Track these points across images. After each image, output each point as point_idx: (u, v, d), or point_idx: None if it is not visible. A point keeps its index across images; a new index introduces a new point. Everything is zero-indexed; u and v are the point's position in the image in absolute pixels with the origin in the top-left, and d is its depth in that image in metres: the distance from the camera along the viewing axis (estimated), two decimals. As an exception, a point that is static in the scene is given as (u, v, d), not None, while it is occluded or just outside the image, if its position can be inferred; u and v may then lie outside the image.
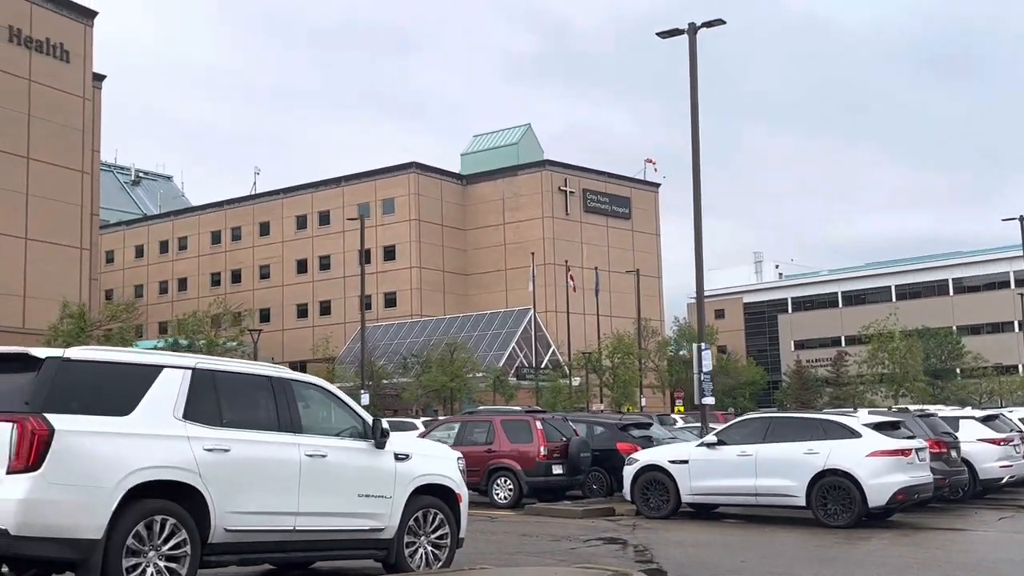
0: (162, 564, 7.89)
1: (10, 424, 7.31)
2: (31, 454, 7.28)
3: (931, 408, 24.96)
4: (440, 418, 33.15)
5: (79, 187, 54.96)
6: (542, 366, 66.50)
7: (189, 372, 8.55)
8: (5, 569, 8.08)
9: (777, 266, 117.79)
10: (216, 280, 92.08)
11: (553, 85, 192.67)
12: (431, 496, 10.23)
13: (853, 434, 16.02)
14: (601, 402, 60.75)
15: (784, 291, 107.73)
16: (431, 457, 10.60)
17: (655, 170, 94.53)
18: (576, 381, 63.37)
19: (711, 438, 17.49)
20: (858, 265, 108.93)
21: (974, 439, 19.93)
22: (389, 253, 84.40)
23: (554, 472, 19.91)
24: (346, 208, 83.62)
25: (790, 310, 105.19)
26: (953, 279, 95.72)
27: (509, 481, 19.84)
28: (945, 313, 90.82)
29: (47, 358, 7.78)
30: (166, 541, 7.92)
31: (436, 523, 10.26)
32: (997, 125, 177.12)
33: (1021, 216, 48.10)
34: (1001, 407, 37.74)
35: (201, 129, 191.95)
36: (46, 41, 53.96)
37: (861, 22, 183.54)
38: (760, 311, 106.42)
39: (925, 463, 16.37)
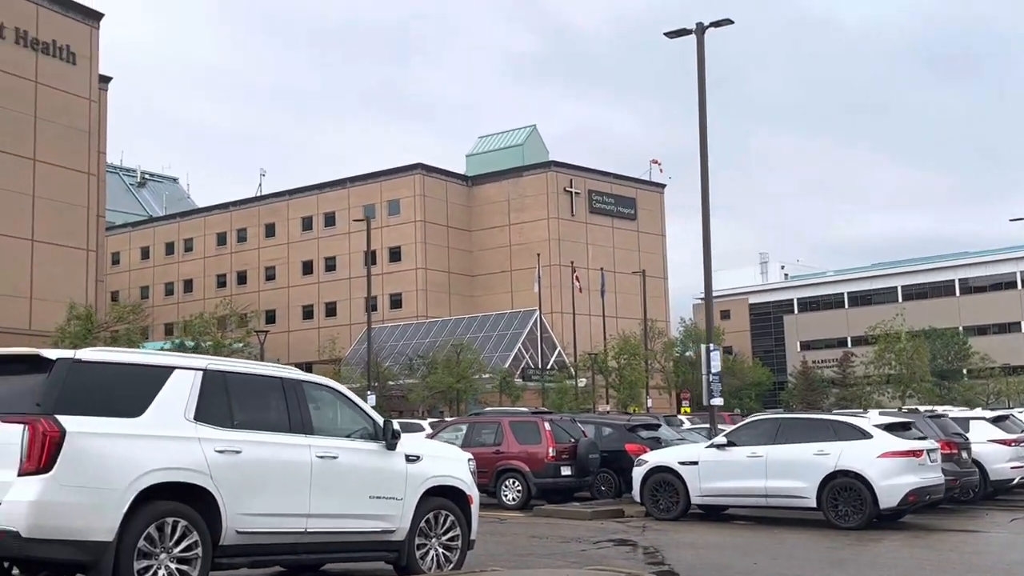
0: (173, 567, 7.85)
1: (21, 426, 7.29)
2: (42, 456, 7.25)
3: (940, 409, 24.87)
4: (447, 419, 33.14)
5: (85, 189, 55.03)
6: (548, 367, 66.43)
7: (200, 373, 8.51)
8: (16, 571, 8.06)
9: (783, 267, 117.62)
10: (222, 281, 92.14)
11: (557, 86, 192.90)
12: (442, 498, 10.18)
13: (864, 435, 15.94)
14: (607, 403, 60.67)
15: (790, 292, 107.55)
16: (442, 458, 10.55)
17: (660, 171, 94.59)
18: (582, 382, 63.29)
19: (721, 439, 17.42)
20: (864, 266, 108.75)
21: (985, 440, 19.85)
22: (395, 254, 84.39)
23: (563, 473, 19.87)
24: (352, 209, 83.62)
25: (796, 311, 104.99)
26: (959, 279, 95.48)
27: (517, 482, 19.79)
28: (951, 313, 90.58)
29: (58, 359, 7.75)
30: (177, 543, 7.89)
31: (447, 525, 10.21)
32: (998, 124, 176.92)
33: (1029, 216, 47.89)
34: (1009, 408, 37.59)
35: (206, 131, 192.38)
36: (52, 43, 54.03)
37: (862, 20, 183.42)
38: (766, 312, 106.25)
39: (936, 464, 16.29)
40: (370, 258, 52.17)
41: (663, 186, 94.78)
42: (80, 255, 54.17)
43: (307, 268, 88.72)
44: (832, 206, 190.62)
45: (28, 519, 7.14)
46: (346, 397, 9.94)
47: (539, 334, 68.41)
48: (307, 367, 59.73)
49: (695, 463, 17.08)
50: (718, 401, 22.50)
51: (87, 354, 8.03)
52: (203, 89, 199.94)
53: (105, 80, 61.54)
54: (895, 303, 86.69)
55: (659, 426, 23.51)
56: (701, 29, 23.52)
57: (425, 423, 33.71)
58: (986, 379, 72.43)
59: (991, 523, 16.93)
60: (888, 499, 15.39)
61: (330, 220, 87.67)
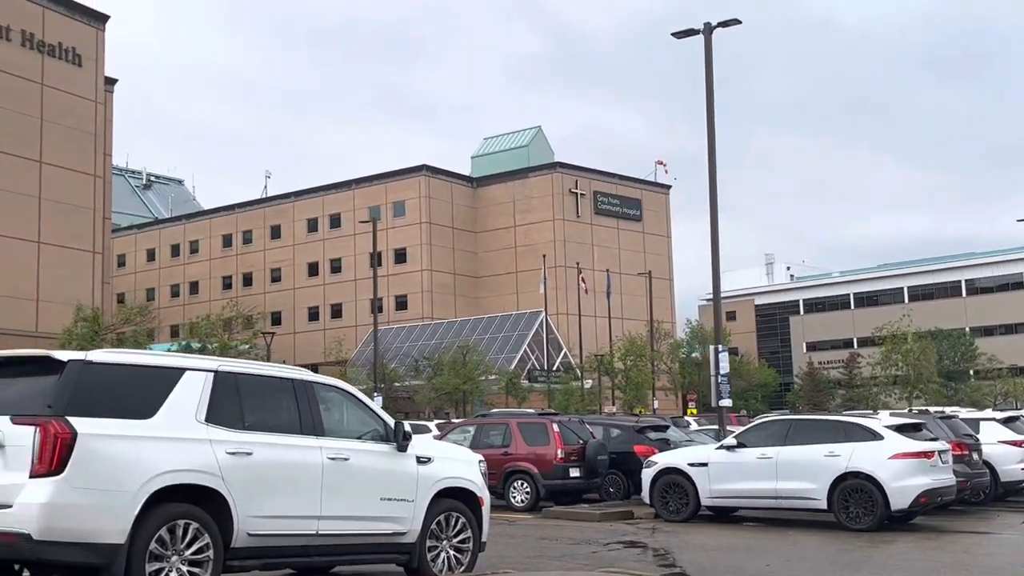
0: (185, 569, 7.81)
1: (33, 427, 7.25)
2: (54, 458, 7.21)
3: (949, 410, 24.76)
4: (454, 421, 33.11)
5: (91, 191, 55.05)
6: (554, 368, 66.32)
7: (211, 375, 8.47)
8: (27, 574, 8.02)
9: (788, 268, 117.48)
10: (227, 283, 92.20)
11: (561, 87, 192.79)
12: (453, 499, 10.14)
13: (875, 436, 15.87)
14: (613, 405, 60.59)
15: (796, 293, 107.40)
16: (453, 460, 10.49)
17: (666, 171, 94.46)
18: (588, 383, 63.20)
19: (731, 441, 17.35)
20: (870, 267, 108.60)
21: (995, 441, 19.77)
22: (400, 256, 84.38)
23: (571, 475, 19.80)
24: (357, 211, 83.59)
25: (802, 312, 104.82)
26: (966, 280, 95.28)
27: (526, 484, 19.74)
28: (958, 314, 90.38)
29: (69, 361, 7.71)
30: (189, 546, 7.84)
31: (458, 527, 10.16)
32: (1002, 124, 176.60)
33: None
34: (1018, 408, 37.47)
35: (211, 133, 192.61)
36: (58, 45, 54.08)
37: (863, 19, 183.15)
38: (772, 313, 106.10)
39: (948, 465, 16.21)
40: (376, 260, 52.13)
41: (668, 187, 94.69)
42: (86, 257, 54.20)
43: (313, 270, 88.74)
44: (832, 207, 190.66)
45: (40, 521, 7.10)
46: (356, 398, 9.89)
47: (545, 335, 68.33)
48: (313, 369, 59.45)
49: (705, 464, 17.01)
50: (727, 402, 22.43)
51: (98, 355, 7.99)
52: (207, 91, 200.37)
53: (111, 82, 61.60)
54: (901, 304, 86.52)
55: (667, 427, 23.46)
56: (709, 29, 23.47)
57: (432, 424, 33.68)
58: (993, 380, 72.22)
59: (1003, 525, 16.85)
60: (899, 501, 15.32)
61: (335, 222, 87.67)
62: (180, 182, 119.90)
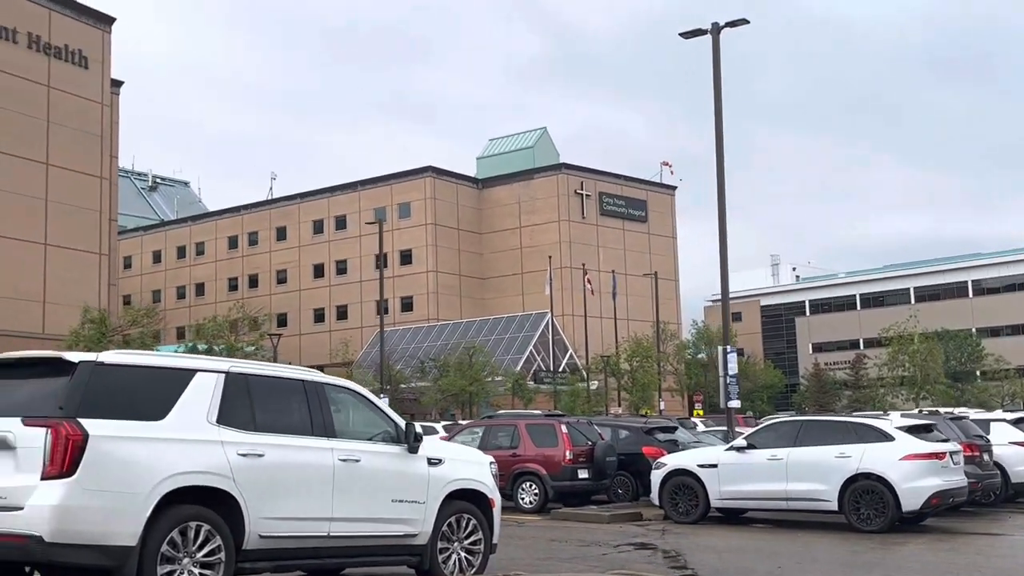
0: (196, 571, 7.76)
1: (44, 429, 7.21)
2: (65, 460, 7.16)
3: (958, 411, 24.66)
4: (461, 422, 33.04)
5: (97, 193, 55.08)
6: (560, 370, 66.27)
7: (223, 376, 8.43)
8: (38, 576, 7.98)
9: (794, 268, 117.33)
10: (233, 285, 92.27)
11: (562, 87, 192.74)
12: (464, 501, 10.08)
13: (886, 437, 15.79)
14: (619, 406, 60.50)
15: (801, 293, 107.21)
16: (464, 462, 10.44)
17: (671, 172, 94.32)
18: (594, 385, 63.12)
19: (740, 442, 17.28)
20: (876, 267, 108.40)
21: (1006, 442, 19.67)
22: (405, 257, 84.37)
23: (580, 476, 19.73)
24: (362, 212, 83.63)
25: (808, 313, 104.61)
26: (972, 281, 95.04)
27: (535, 486, 19.68)
28: (965, 315, 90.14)
29: (80, 362, 7.67)
30: (200, 548, 7.80)
31: (469, 528, 10.10)
32: (1002, 124, 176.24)
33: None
34: (1025, 409, 37.28)
35: (216, 134, 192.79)
36: (64, 47, 54.11)
37: (863, 19, 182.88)
38: (777, 314, 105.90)
39: (959, 467, 16.12)
40: (382, 261, 52.13)
41: (674, 188, 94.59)
42: (93, 259, 54.22)
43: (318, 271, 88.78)
44: (832, 207, 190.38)
45: (51, 523, 7.06)
46: (367, 400, 9.86)
47: (551, 337, 68.26)
48: (319, 370, 59.67)
49: (715, 466, 16.94)
50: (735, 403, 22.38)
51: (109, 357, 7.96)
52: (211, 92, 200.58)
53: (117, 84, 61.66)
54: (908, 304, 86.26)
55: (676, 429, 23.39)
56: (716, 29, 23.40)
57: (439, 426, 33.64)
58: (1000, 381, 72.00)
59: (1014, 526, 16.76)
60: (911, 502, 15.24)
61: (341, 223, 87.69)
62: (186, 184, 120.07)
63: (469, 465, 10.42)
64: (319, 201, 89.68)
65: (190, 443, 7.92)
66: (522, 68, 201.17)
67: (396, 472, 9.50)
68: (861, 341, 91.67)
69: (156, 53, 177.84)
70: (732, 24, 23.45)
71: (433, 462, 9.84)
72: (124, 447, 7.50)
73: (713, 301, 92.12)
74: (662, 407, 60.65)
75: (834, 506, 15.74)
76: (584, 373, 64.90)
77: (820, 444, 16.09)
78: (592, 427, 21.48)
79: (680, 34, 23.95)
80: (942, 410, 23.40)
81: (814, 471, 15.88)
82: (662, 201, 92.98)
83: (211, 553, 7.84)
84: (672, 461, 17.85)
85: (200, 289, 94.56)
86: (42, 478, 7.13)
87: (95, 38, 56.02)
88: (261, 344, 53.35)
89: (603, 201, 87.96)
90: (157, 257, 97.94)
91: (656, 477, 17.64)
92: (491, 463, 10.79)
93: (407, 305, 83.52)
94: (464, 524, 10.05)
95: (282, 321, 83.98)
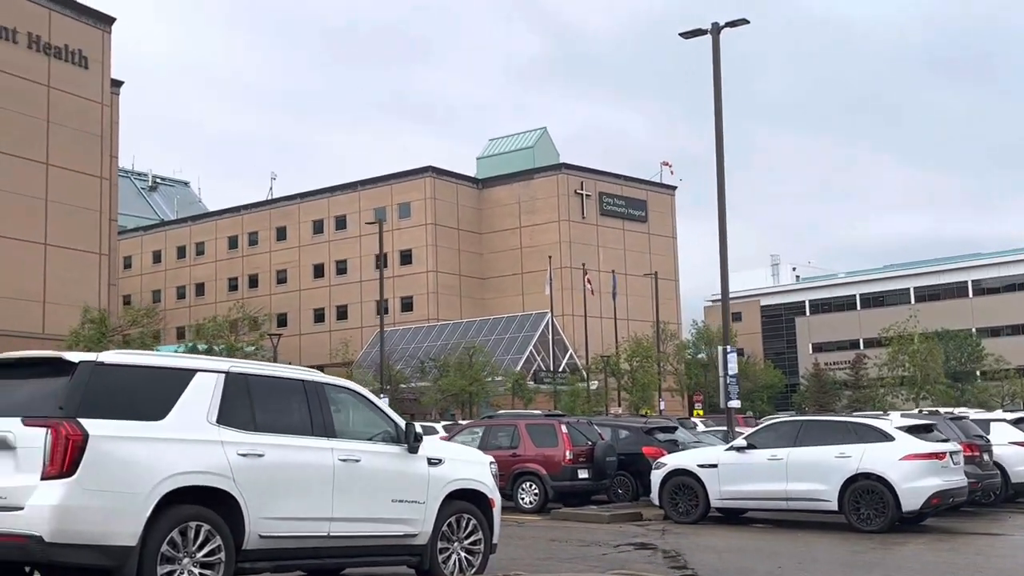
0: (196, 571, 7.76)
1: (44, 429, 7.21)
2: (65, 460, 7.16)
3: (958, 411, 24.65)
4: (461, 422, 33.04)
5: (97, 193, 55.07)
6: (560, 370, 66.27)
7: (223, 376, 8.43)
8: (37, 576, 7.98)
9: (794, 268, 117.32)
10: (233, 285, 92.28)
11: (561, 87, 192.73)
12: (464, 501, 10.08)
13: (886, 437, 15.79)
14: (619, 406, 60.50)
15: (801, 293, 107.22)
16: (464, 462, 10.44)
17: (671, 172, 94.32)
18: (594, 385, 63.13)
19: (740, 442, 17.28)
20: (876, 267, 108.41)
21: (1006, 442, 19.67)
22: (405, 257, 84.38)
23: (580, 476, 19.73)
24: (362, 212, 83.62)
25: (808, 313, 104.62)
26: (972, 281, 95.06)
27: (535, 486, 19.68)
28: (965, 315, 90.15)
29: (80, 362, 7.68)
30: (200, 548, 7.80)
31: (469, 529, 10.10)
32: (1002, 124, 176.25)
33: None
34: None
35: (216, 134, 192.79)
36: (64, 47, 54.11)
37: (863, 19, 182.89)
38: (777, 314, 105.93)
39: (959, 467, 16.12)
40: (382, 261, 52.14)
41: (674, 188, 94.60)
42: (92, 259, 54.22)
43: (318, 271, 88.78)
44: (832, 207, 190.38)
45: (51, 523, 7.06)
46: (367, 400, 9.86)
47: (551, 337, 68.25)
48: (319, 370, 59.66)
49: (715, 466, 16.94)
50: (736, 403, 22.39)
51: (109, 357, 7.96)
52: (211, 92, 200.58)
53: (117, 84, 61.67)
54: (908, 304, 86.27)
55: (676, 429, 23.39)
56: (717, 29, 23.41)
57: (439, 426, 33.64)
58: (1000, 381, 71.99)
59: (1014, 526, 16.76)
60: (911, 502, 15.24)
61: (341, 223, 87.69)
62: (186, 184, 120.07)
63: (469, 465, 10.43)
64: (319, 201, 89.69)
65: (190, 443, 7.92)
66: (522, 68, 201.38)
67: (396, 472, 9.50)
68: (861, 341, 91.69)
69: (156, 53, 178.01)
70: (732, 24, 23.46)
71: (433, 462, 9.84)
72: (124, 447, 7.50)
73: (713, 301, 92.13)
74: (662, 407, 60.65)
75: (834, 506, 15.74)
76: (584, 373, 64.90)
77: (820, 444, 16.10)
78: (592, 427, 21.48)
79: (680, 34, 23.97)
80: (942, 410, 23.39)
81: (814, 471, 15.89)
82: (662, 201, 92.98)
83: (211, 553, 7.84)
84: (672, 461, 17.85)
85: (200, 289, 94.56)
86: (42, 478, 7.14)
87: (95, 38, 56.02)
88: (261, 344, 53.36)
89: (603, 201, 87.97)
90: (157, 257, 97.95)
91: (656, 477, 17.64)
92: (491, 463, 10.79)
93: (407, 305, 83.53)
94: (464, 524, 10.05)
95: (282, 321, 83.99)
